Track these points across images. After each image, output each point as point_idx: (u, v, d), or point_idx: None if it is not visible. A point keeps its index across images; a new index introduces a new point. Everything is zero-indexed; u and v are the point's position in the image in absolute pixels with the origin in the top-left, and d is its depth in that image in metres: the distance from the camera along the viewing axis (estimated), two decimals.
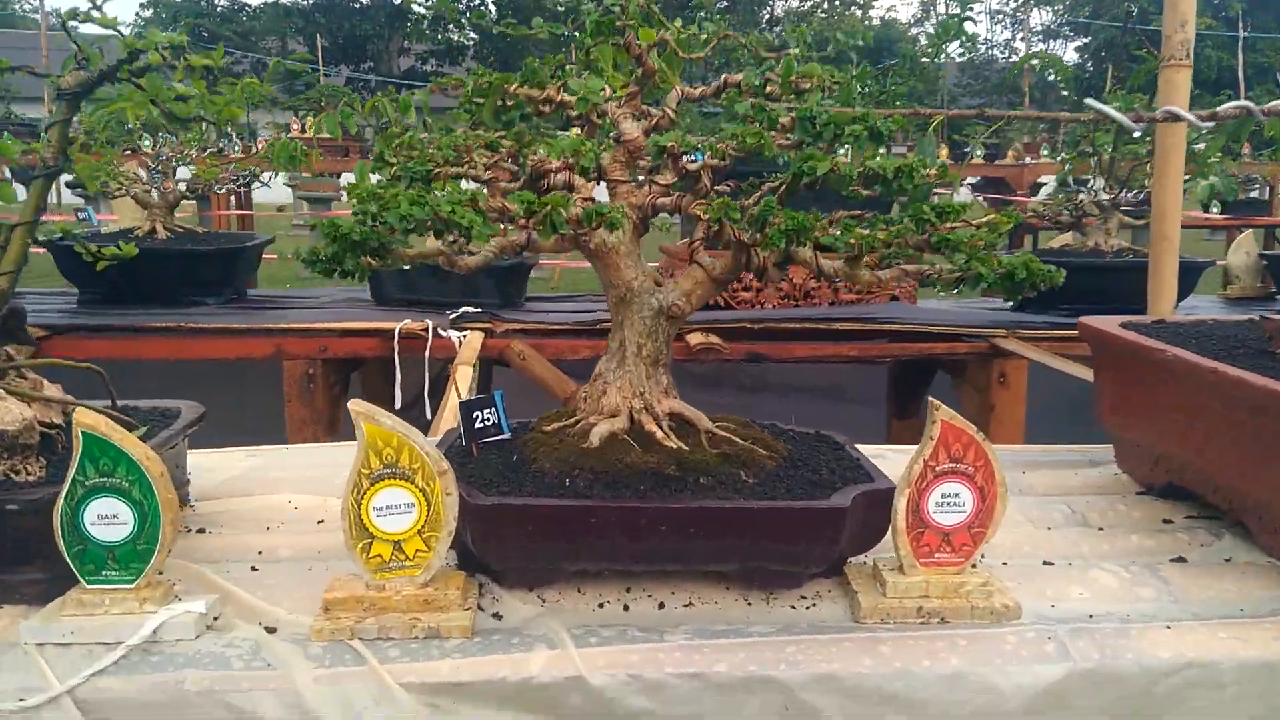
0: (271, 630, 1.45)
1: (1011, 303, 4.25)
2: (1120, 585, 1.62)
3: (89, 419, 1.36)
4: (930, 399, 1.47)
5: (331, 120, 4.29)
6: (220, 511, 1.87)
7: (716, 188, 1.59)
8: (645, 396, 1.62)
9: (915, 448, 1.50)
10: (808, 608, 1.54)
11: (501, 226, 1.56)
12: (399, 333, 3.54)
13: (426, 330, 3.53)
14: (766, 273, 1.54)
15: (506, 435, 1.68)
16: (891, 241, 1.45)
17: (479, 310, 3.89)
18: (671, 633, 1.44)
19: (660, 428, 1.60)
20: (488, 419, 1.62)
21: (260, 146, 11.17)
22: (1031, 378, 3.83)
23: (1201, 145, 3.42)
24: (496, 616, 1.49)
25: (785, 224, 1.45)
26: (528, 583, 1.54)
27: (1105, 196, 4.04)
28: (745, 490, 1.50)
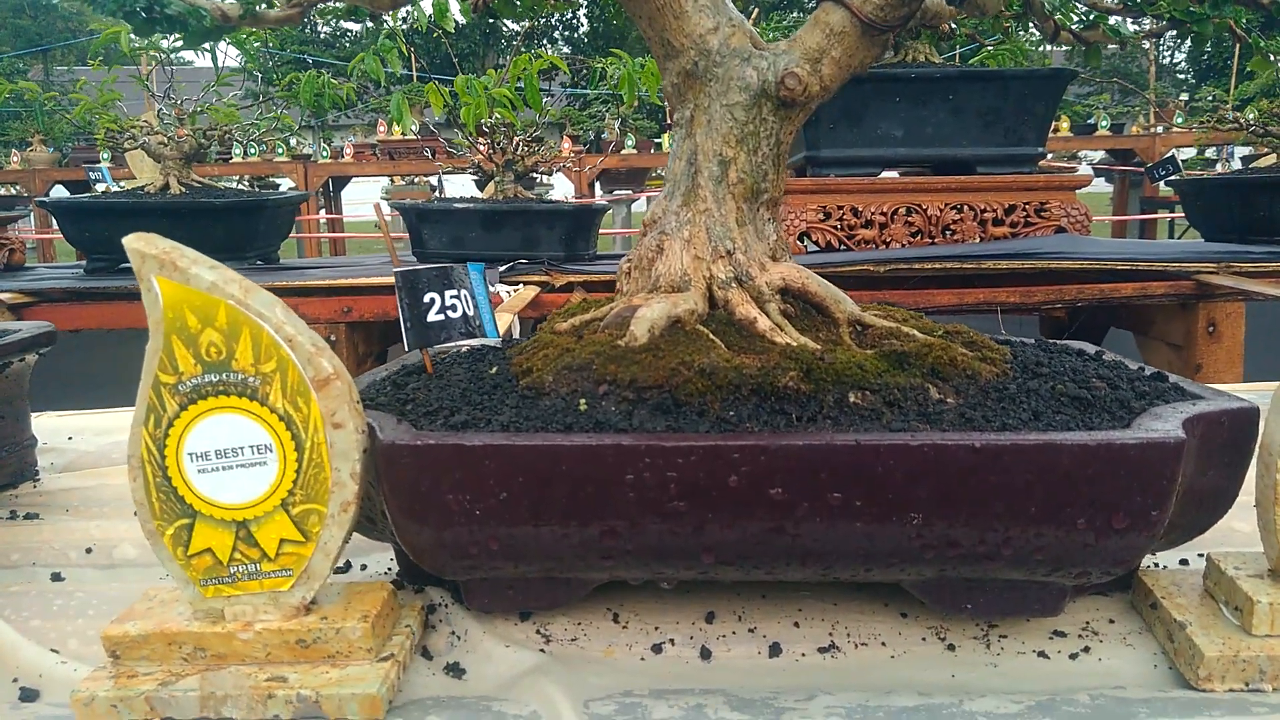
0: (29, 696, 0.75)
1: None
2: None
3: None
4: None
5: (399, 102, 3.69)
6: (73, 489, 1.19)
7: None
8: (736, 258, 0.87)
9: None
10: (1074, 656, 0.76)
11: None
12: None
13: None
14: None
15: (494, 341, 0.96)
16: None
17: (537, 263, 3.19)
18: (800, 713, 0.69)
19: (764, 312, 0.85)
20: (451, 306, 0.89)
21: (349, 152, 10.75)
22: (1250, 328, 2.93)
23: None
24: (453, 672, 0.76)
25: None
26: (518, 605, 0.80)
27: None
28: (946, 417, 0.73)
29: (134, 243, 0.68)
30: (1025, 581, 0.73)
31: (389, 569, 0.94)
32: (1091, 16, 1.00)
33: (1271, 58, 1.01)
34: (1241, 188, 3.12)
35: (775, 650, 0.78)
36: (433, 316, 0.89)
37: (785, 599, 0.83)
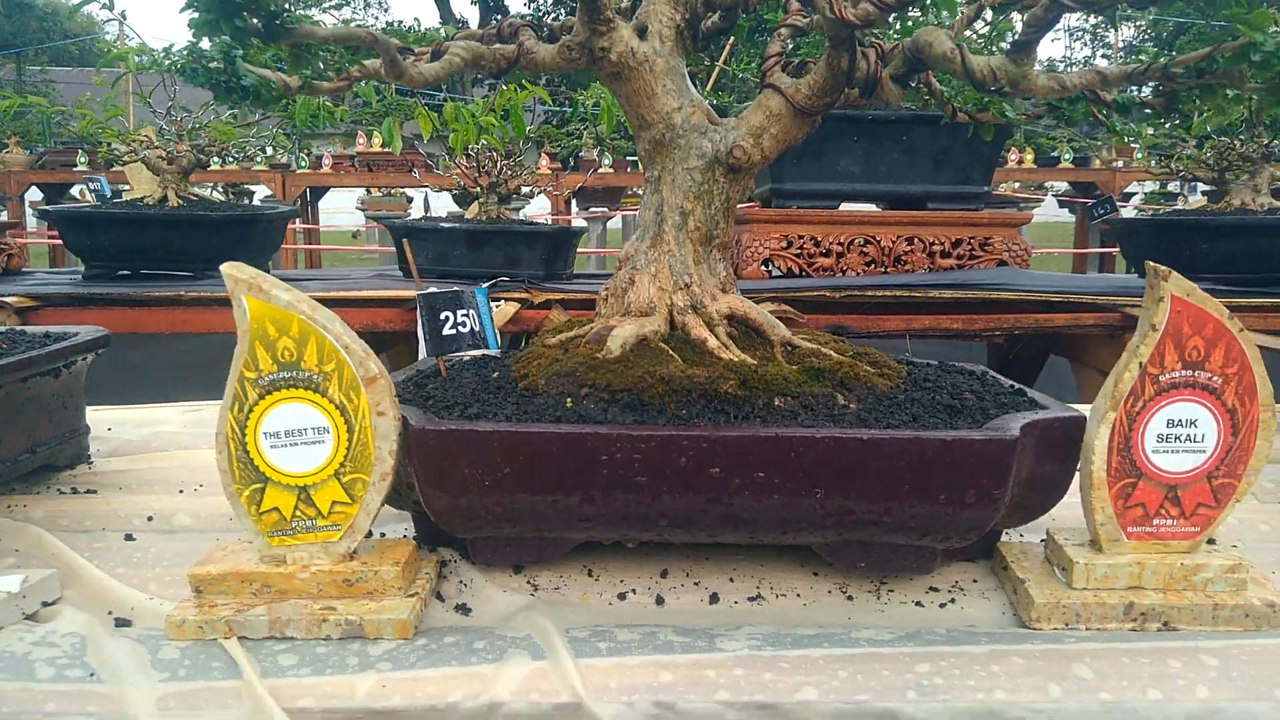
0: (123, 623, 0.96)
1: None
2: None
3: None
4: (1149, 263, 0.92)
5: (391, 127, 3.88)
6: (124, 470, 1.39)
7: None
8: (692, 290, 1.09)
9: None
10: (942, 605, 0.99)
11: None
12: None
13: None
14: (880, 87, 1.01)
15: (493, 351, 1.17)
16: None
17: (518, 281, 3.40)
18: (729, 638, 0.91)
19: (713, 334, 1.08)
20: (462, 323, 1.11)
21: (328, 162, 10.87)
22: None
23: None
24: (462, 610, 0.98)
25: None
26: (513, 560, 1.02)
27: (1254, 146, 3.39)
28: (847, 418, 0.96)
29: (229, 269, 0.89)
30: (904, 545, 0.96)
31: (404, 535, 1.14)
32: (985, 100, 1.23)
33: (1127, 140, 1.24)
34: (1167, 229, 3.39)
35: (714, 598, 1.00)
36: (447, 331, 1.10)
37: (724, 560, 1.05)
